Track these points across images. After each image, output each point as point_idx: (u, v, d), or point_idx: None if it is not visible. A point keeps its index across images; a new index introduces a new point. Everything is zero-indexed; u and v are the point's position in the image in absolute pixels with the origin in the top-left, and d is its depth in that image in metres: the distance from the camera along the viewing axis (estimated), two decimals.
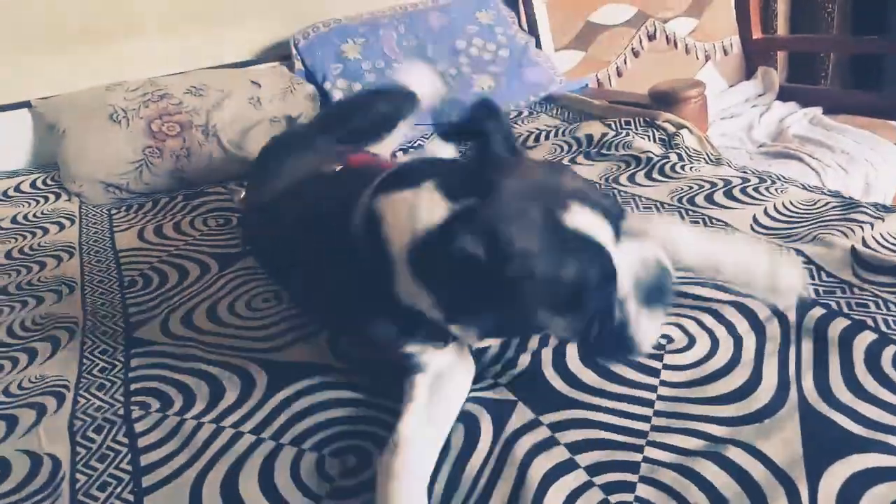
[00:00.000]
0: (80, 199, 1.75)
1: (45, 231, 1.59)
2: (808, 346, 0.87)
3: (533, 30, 2.35)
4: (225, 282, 1.25)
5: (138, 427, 0.90)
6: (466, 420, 0.84)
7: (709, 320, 0.94)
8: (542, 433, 0.79)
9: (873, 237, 1.07)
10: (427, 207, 0.76)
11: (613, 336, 0.75)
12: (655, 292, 0.76)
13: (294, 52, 2.12)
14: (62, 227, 1.61)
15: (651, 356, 0.89)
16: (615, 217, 0.75)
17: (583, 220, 0.72)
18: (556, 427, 0.80)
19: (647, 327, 0.76)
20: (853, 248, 1.04)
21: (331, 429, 0.85)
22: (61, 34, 1.98)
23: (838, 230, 1.10)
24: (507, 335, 0.92)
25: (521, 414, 0.83)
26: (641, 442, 0.77)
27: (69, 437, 0.89)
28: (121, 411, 0.93)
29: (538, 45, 2.33)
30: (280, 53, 2.20)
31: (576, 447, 0.77)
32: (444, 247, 0.72)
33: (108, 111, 1.78)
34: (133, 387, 0.99)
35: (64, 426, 0.91)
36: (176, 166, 1.78)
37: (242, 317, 1.13)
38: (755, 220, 1.19)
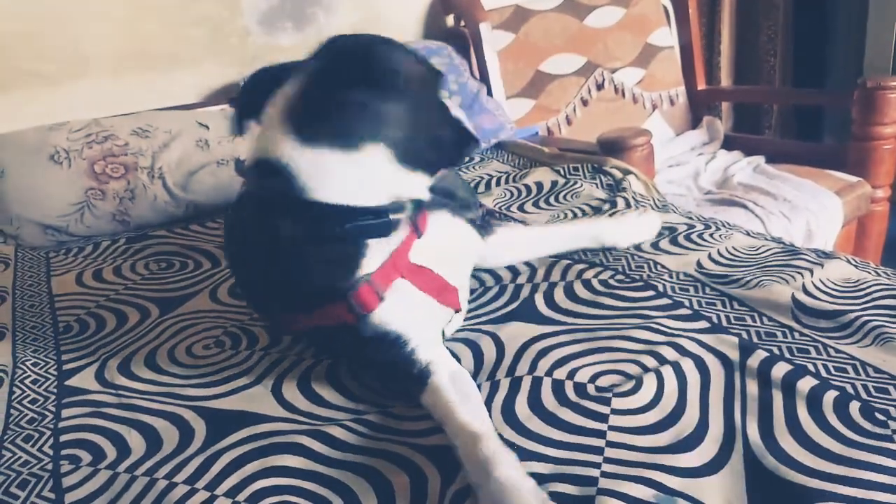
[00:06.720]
0: (16, 241, 1.69)
1: None
2: (752, 390, 0.87)
3: (484, 78, 2.39)
4: (165, 327, 1.21)
5: (66, 482, 0.85)
6: (411, 470, 0.81)
7: (651, 362, 0.94)
8: None
9: (813, 283, 1.09)
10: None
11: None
12: None
13: None
14: None
15: (599, 400, 0.88)
16: None
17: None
18: None
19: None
20: (793, 294, 1.06)
21: (267, 479, 0.81)
22: (5, 75, 1.94)
23: (780, 276, 1.12)
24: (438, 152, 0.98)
25: None
26: (592, 492, 0.75)
27: None
28: (49, 465, 0.88)
29: (490, 92, 2.36)
30: (230, 96, 2.18)
31: None
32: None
33: (50, 151, 1.73)
34: (63, 438, 0.94)
35: None
36: (119, 209, 1.74)
37: (182, 364, 1.10)
38: (699, 264, 1.21)
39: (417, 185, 0.94)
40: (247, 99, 0.97)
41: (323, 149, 0.85)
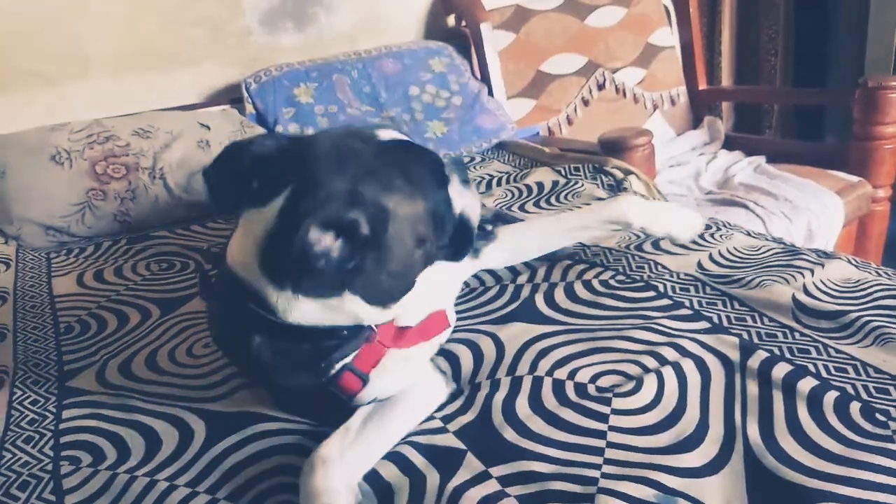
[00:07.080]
0: (17, 242, 1.69)
1: None
2: (752, 390, 0.87)
3: (485, 78, 2.38)
4: (166, 328, 1.21)
5: (67, 483, 0.85)
6: (410, 469, 0.81)
7: (651, 363, 0.94)
8: (491, 486, 0.77)
9: (814, 283, 1.09)
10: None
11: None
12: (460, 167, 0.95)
13: (245, 94, 2.10)
14: None
15: (600, 400, 0.88)
16: None
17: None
18: (506, 481, 0.78)
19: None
20: (794, 295, 1.06)
21: (269, 481, 0.81)
22: (5, 75, 1.94)
23: (780, 276, 1.12)
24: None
25: (470, 465, 0.81)
26: (592, 490, 0.75)
27: None
28: (49, 466, 0.89)
29: (490, 93, 2.36)
30: (231, 96, 2.18)
31: (527, 499, 0.75)
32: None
33: (51, 152, 1.74)
34: (63, 439, 0.94)
35: None
36: (120, 209, 1.74)
37: (183, 364, 1.10)
38: (700, 265, 1.20)
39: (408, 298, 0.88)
40: (221, 190, 0.86)
41: (297, 294, 0.80)
